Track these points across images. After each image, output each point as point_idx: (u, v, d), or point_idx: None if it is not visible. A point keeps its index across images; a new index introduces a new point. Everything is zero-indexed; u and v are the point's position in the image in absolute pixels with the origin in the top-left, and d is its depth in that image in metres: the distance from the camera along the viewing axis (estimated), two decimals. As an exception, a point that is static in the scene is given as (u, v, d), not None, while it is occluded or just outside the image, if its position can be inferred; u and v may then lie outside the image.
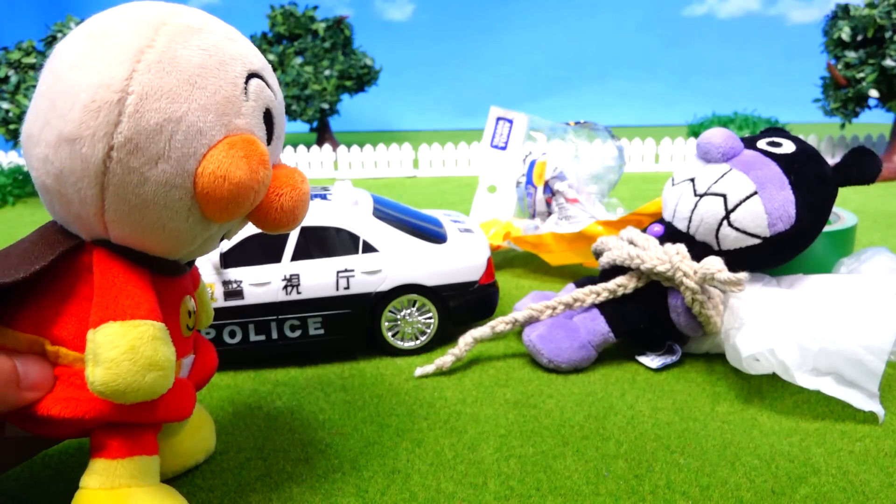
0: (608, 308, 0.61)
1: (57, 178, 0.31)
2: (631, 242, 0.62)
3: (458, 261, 0.64)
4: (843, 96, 1.85)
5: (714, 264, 0.56)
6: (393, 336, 0.63)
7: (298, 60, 2.61)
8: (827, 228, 0.67)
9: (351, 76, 2.69)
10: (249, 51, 0.34)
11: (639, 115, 4.17)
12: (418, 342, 0.64)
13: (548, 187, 0.96)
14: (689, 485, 0.43)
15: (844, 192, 1.57)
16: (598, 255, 0.66)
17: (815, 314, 0.54)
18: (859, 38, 1.80)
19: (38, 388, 0.33)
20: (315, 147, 2.16)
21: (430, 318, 0.64)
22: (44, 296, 0.34)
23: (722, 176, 0.58)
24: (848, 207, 1.29)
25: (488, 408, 0.54)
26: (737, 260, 0.58)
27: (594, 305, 0.62)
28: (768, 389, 0.55)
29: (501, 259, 0.98)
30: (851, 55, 1.82)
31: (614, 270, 0.63)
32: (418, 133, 3.70)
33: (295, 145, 2.21)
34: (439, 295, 0.64)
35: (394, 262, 0.62)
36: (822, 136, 2.13)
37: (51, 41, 1.85)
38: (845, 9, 1.86)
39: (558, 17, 4.57)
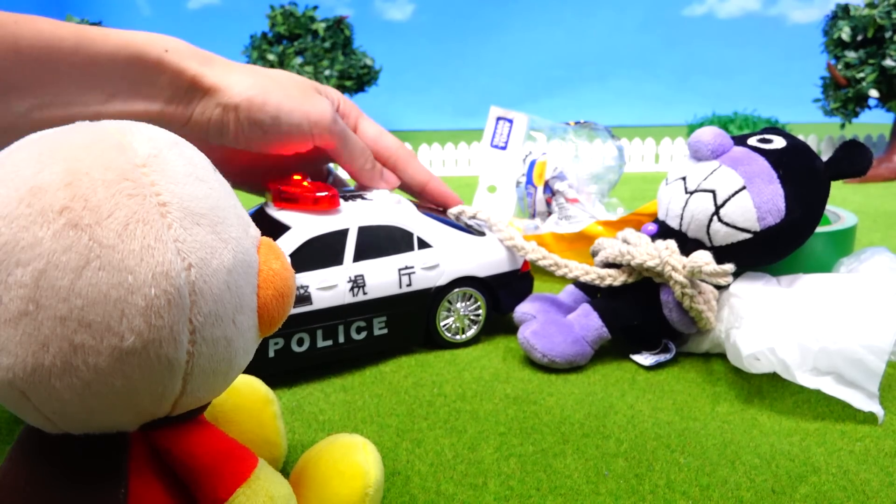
0: (601, 305, 0.62)
1: (114, 394, 0.25)
2: (625, 241, 0.63)
3: (503, 251, 0.66)
4: (843, 96, 1.85)
5: (701, 257, 0.56)
6: (445, 330, 0.64)
7: (298, 60, 2.62)
8: (827, 228, 0.67)
9: (351, 76, 2.69)
10: (198, 152, 0.30)
11: (639, 115, 4.17)
12: (469, 334, 0.65)
13: (548, 187, 0.96)
14: (689, 484, 0.43)
15: (844, 192, 1.57)
16: (594, 255, 0.67)
17: (815, 313, 0.54)
18: (859, 38, 1.80)
19: None
20: (315, 147, 2.16)
21: (478, 309, 0.65)
22: None
23: (711, 173, 0.59)
24: (848, 207, 1.29)
25: (488, 403, 0.54)
26: (729, 256, 0.58)
27: (589, 303, 0.63)
28: (768, 389, 0.55)
29: (501, 259, 0.98)
30: (851, 55, 1.82)
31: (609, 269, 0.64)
32: (418, 133, 3.70)
33: (295, 145, 2.22)
34: (489, 285, 0.65)
35: (448, 256, 0.63)
36: (822, 136, 2.13)
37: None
38: (845, 9, 1.86)
39: (558, 17, 4.58)
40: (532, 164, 0.98)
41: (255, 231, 0.31)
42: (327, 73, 2.61)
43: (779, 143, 0.60)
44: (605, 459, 0.45)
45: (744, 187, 0.57)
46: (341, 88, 2.69)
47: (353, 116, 0.70)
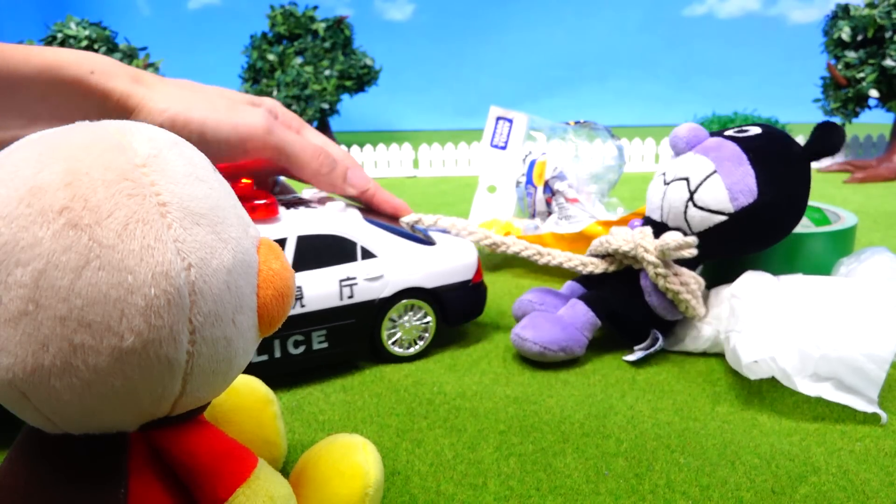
0: (587, 294, 0.64)
1: (114, 394, 0.25)
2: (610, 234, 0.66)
3: (453, 261, 0.64)
4: (843, 96, 1.85)
5: (670, 236, 0.58)
6: (392, 343, 0.62)
7: (298, 60, 2.62)
8: (827, 228, 0.67)
9: (351, 76, 2.69)
10: (198, 151, 0.30)
11: (639, 115, 4.17)
12: (417, 347, 0.63)
13: (548, 187, 0.96)
14: (689, 484, 0.43)
15: (844, 192, 1.57)
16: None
17: (816, 319, 0.53)
18: (859, 38, 1.80)
19: None
20: (315, 147, 2.16)
21: (427, 321, 0.63)
22: None
23: (685, 162, 0.61)
24: (848, 207, 1.29)
25: (488, 402, 0.54)
26: (709, 241, 0.60)
27: (577, 297, 0.64)
28: (768, 389, 0.55)
29: (501, 259, 0.98)
30: (851, 55, 1.82)
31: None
32: (418, 133, 3.70)
33: (295, 145, 2.21)
34: (438, 296, 0.63)
35: (393, 266, 0.60)
36: (822, 136, 2.12)
37: (50, 41, 1.84)
38: (845, 9, 1.86)
39: (558, 17, 4.57)
40: (532, 164, 0.98)
41: (254, 231, 0.31)
42: (327, 73, 2.61)
43: (753, 131, 0.62)
44: (605, 459, 0.45)
45: (714, 171, 0.59)
46: (341, 88, 2.69)
47: (295, 127, 0.67)
